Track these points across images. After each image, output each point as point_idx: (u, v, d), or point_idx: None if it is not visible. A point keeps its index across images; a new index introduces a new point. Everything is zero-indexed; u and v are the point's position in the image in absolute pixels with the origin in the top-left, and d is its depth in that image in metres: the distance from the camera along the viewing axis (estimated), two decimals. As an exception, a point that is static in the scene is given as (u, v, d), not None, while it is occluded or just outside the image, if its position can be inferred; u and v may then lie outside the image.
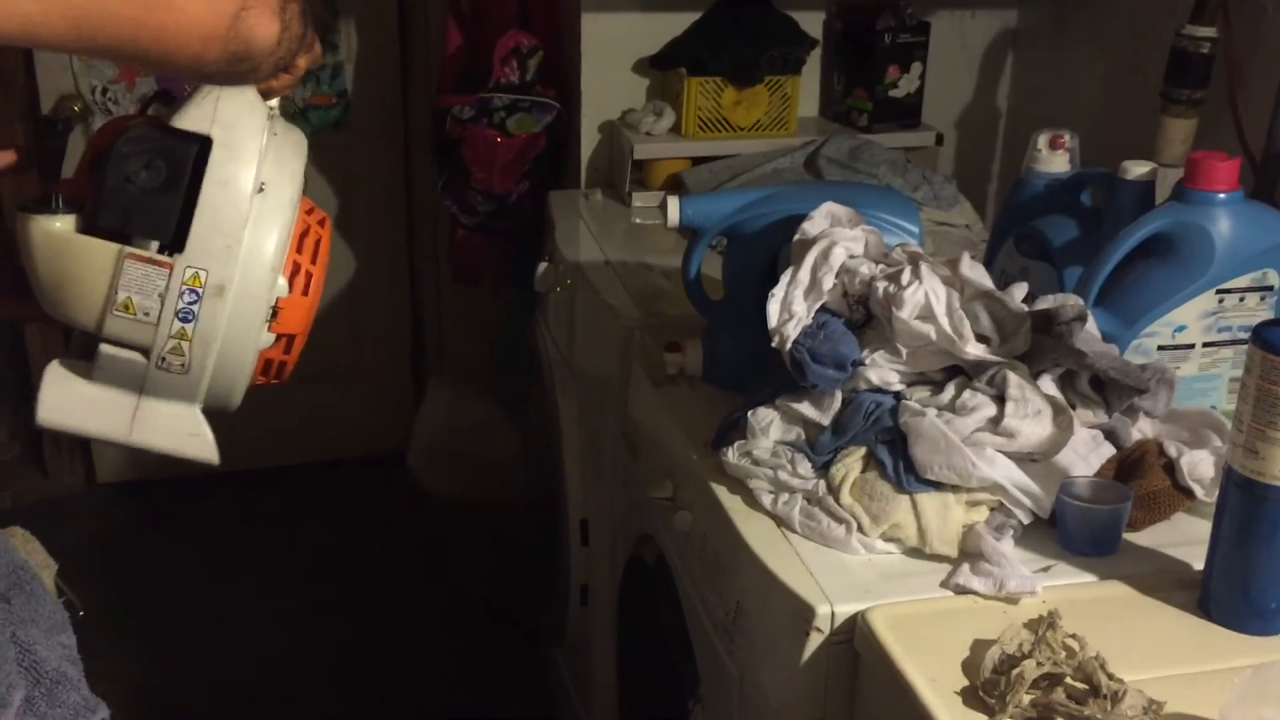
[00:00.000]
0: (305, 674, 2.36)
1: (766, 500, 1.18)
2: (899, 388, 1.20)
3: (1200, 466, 1.16)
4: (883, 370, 1.19)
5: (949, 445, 1.11)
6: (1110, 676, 0.92)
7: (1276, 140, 1.56)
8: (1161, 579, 1.09)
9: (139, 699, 2.15)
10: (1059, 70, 2.19)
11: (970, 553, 1.10)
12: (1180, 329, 1.28)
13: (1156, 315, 1.27)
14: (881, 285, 1.19)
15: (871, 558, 1.12)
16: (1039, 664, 0.93)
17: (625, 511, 1.63)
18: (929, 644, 1.00)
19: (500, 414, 2.70)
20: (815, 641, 1.06)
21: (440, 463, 2.87)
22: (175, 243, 0.86)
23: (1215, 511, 1.04)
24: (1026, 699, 0.92)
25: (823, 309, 1.23)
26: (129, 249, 0.86)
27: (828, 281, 1.22)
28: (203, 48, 0.73)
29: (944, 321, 1.16)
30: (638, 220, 2.13)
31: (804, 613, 1.06)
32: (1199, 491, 1.15)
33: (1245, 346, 1.01)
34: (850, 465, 1.16)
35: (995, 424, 1.13)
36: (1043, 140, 1.46)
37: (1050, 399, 1.14)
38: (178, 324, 0.87)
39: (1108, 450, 1.17)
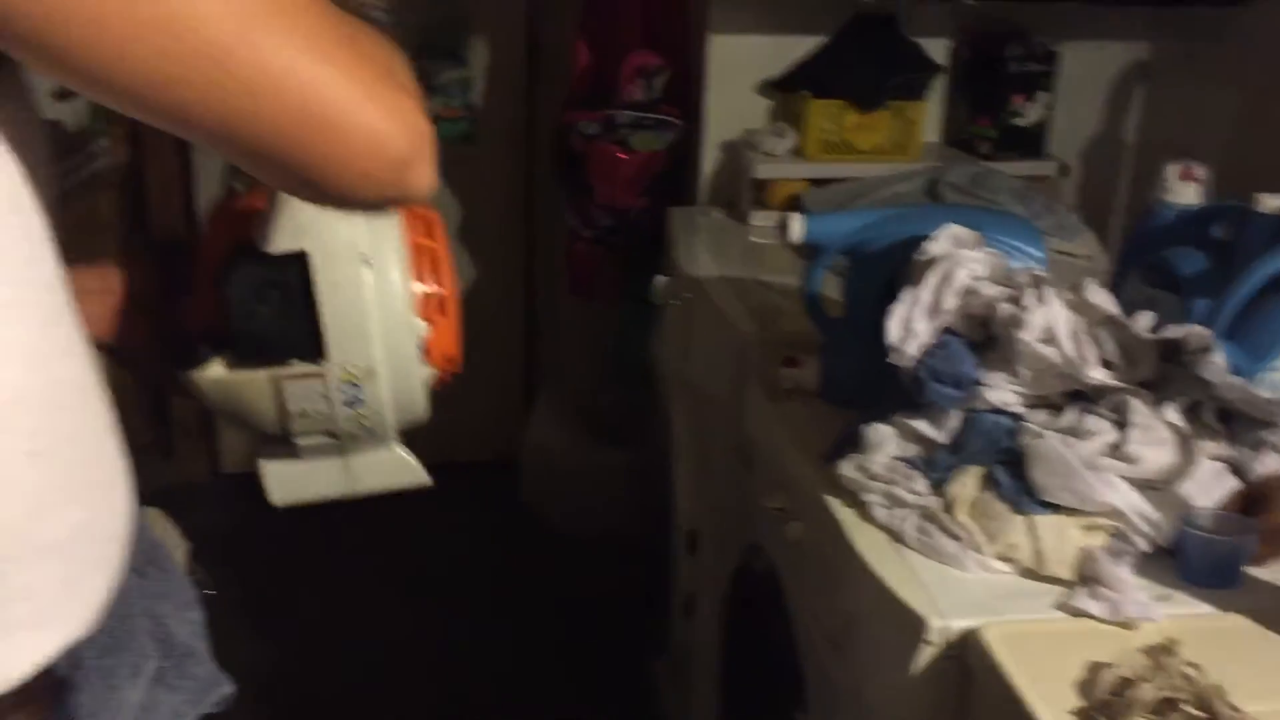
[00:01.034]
0: (411, 671, 2.42)
1: (881, 514, 1.20)
2: (1018, 409, 1.20)
3: (1329, 503, 1.14)
4: (1002, 391, 1.20)
5: (1069, 468, 1.12)
6: (1230, 705, 0.92)
7: None
8: (1284, 614, 1.08)
9: (255, 679, 2.23)
10: (1190, 104, 2.16)
11: (1087, 577, 1.10)
12: (1312, 364, 1.26)
13: (1287, 350, 1.26)
14: (1004, 307, 1.20)
15: (985, 576, 1.13)
16: (1156, 688, 0.93)
17: (734, 522, 1.65)
18: (1043, 663, 1.00)
19: (608, 426, 2.75)
20: (926, 655, 1.07)
21: (548, 472, 2.93)
22: (317, 352, 0.91)
23: (1344, 548, 1.02)
24: (1141, 722, 0.91)
25: (943, 329, 1.24)
26: (280, 372, 0.92)
27: (950, 301, 1.24)
28: (359, 183, 0.66)
29: (1068, 345, 1.16)
30: (755, 239, 2.16)
31: (916, 625, 1.07)
32: (1327, 529, 1.13)
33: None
34: (967, 484, 1.17)
35: (1116, 449, 1.13)
36: (1173, 171, 1.45)
37: (1174, 427, 1.14)
38: (349, 410, 0.94)
39: (1232, 483, 1.16)
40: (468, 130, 2.97)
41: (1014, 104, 2.21)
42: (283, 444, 0.98)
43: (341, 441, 0.97)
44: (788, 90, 2.24)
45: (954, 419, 1.21)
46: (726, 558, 1.68)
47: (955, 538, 1.14)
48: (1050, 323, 1.16)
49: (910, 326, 1.23)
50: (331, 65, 0.62)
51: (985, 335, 1.22)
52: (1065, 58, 2.23)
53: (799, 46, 2.23)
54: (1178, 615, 1.07)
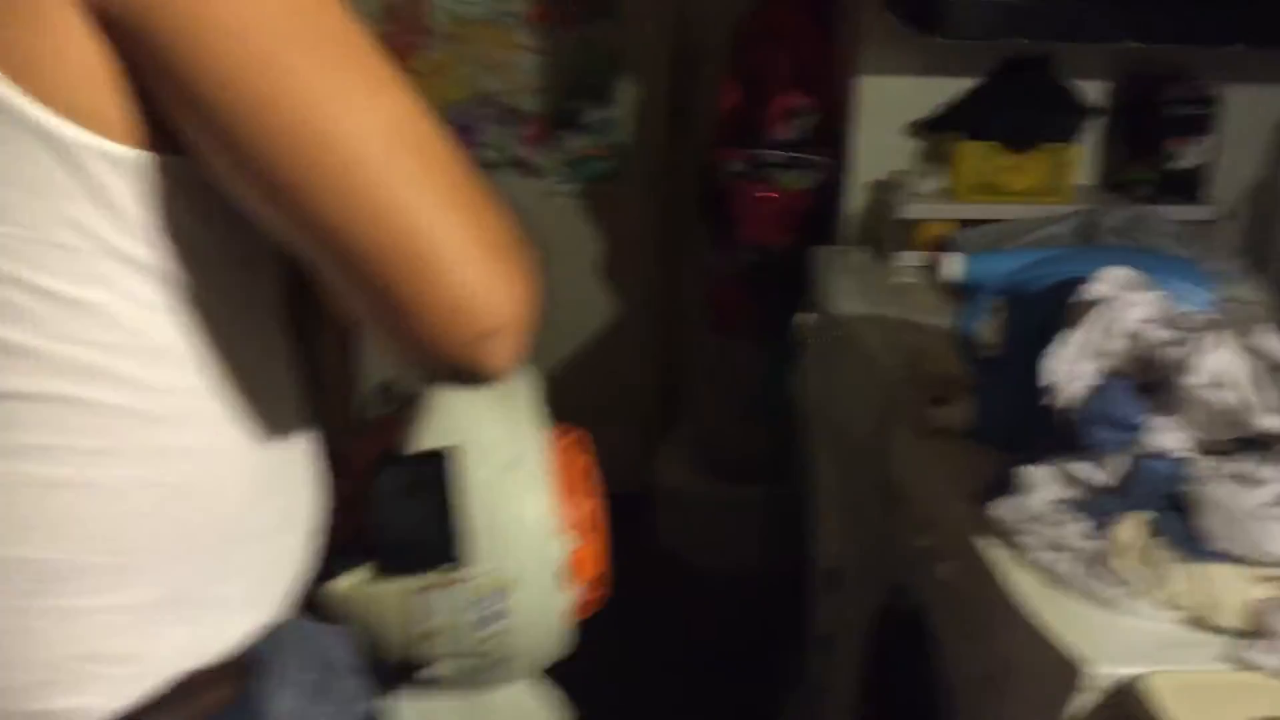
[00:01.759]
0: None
1: (1038, 557, 1.18)
2: (1185, 455, 1.17)
3: None
4: (1168, 436, 1.17)
5: (1238, 517, 1.09)
6: None
7: None
8: None
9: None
10: (1362, 149, 2.08)
11: (1256, 629, 1.07)
12: None
13: None
14: (1173, 350, 1.18)
15: (1147, 624, 1.10)
16: (1333, 746, 0.89)
17: (876, 561, 1.64)
18: (1208, 716, 0.97)
19: (741, 463, 2.75)
20: (1084, 702, 1.04)
21: (680, 509, 2.94)
22: (459, 559, 0.88)
23: None
24: (1318, 781, 0.88)
25: (1107, 371, 1.22)
26: (417, 583, 0.88)
27: (1113, 343, 1.22)
28: (435, 337, 0.64)
29: (1239, 390, 1.13)
30: (900, 279, 2.14)
31: (1073, 671, 1.05)
32: None
33: None
34: (1130, 529, 1.14)
35: (1290, 500, 1.09)
36: (1350, 216, 1.40)
37: (1353, 479, 1.10)
38: (485, 629, 0.89)
39: None
40: (613, 168, 3.03)
41: (1171, 147, 2.15)
42: (400, 680, 0.92)
43: (471, 668, 0.90)
44: (937, 131, 2.23)
45: (1119, 463, 1.18)
46: (868, 597, 1.67)
47: (1116, 584, 1.11)
48: (1222, 367, 1.13)
49: (1069, 367, 1.22)
50: (452, 214, 0.63)
51: (1154, 379, 1.20)
52: (1229, 99, 2.17)
53: (949, 88, 2.22)
54: (1354, 674, 1.03)
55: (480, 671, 0.91)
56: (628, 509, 2.99)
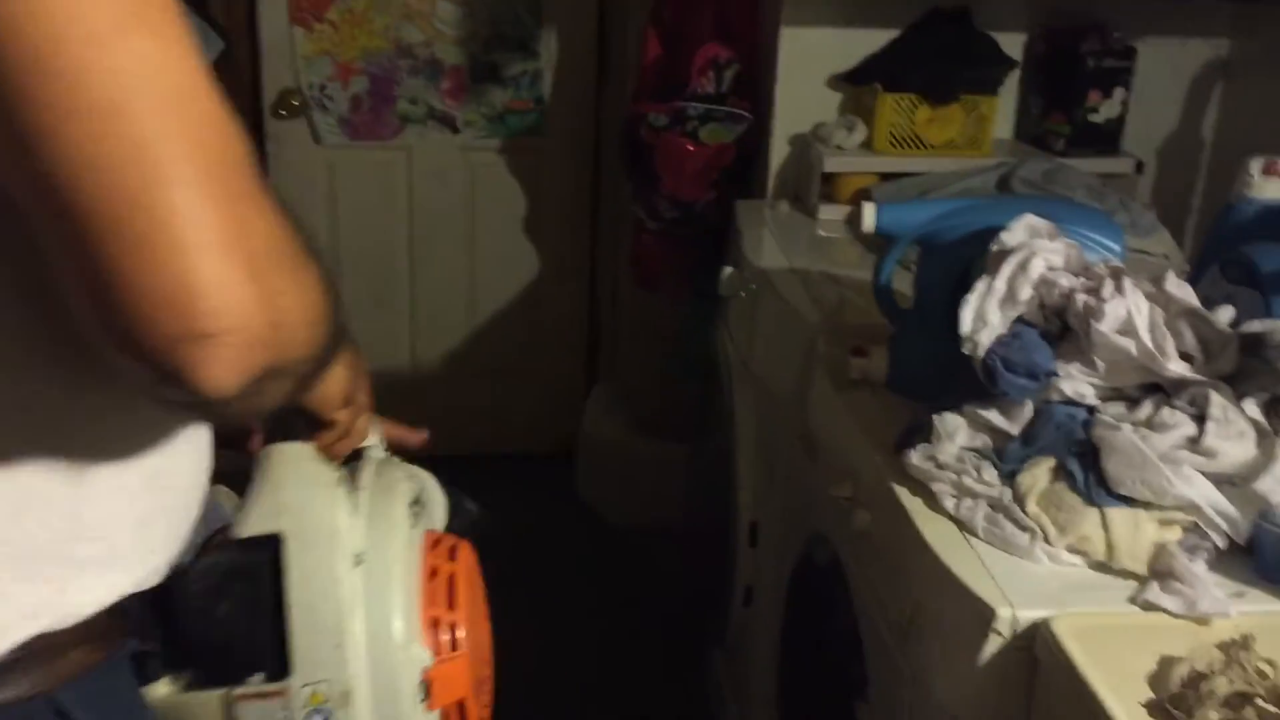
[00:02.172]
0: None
1: (950, 504, 1.19)
2: (1093, 401, 1.19)
3: None
4: (1077, 383, 1.18)
5: (1144, 461, 1.10)
6: (1307, 702, 0.90)
7: None
8: (1364, 615, 1.05)
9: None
10: (1271, 102, 2.12)
11: (1160, 571, 1.09)
12: (1398, 363, 1.23)
13: (1372, 348, 1.23)
14: (1081, 297, 1.19)
15: (1055, 568, 1.12)
16: (1230, 682, 0.91)
17: (796, 512, 1.65)
18: (1114, 656, 0.99)
19: (666, 419, 2.76)
20: (994, 645, 1.06)
21: (604, 464, 2.94)
22: (281, 667, 0.73)
23: None
24: (1215, 716, 0.90)
25: (1018, 319, 1.22)
26: (236, 691, 0.74)
27: (1025, 291, 1.22)
28: (139, 318, 0.56)
29: (1146, 337, 1.15)
30: (823, 232, 2.15)
31: (985, 615, 1.06)
32: None
33: None
34: (1038, 475, 1.16)
35: (1194, 443, 1.11)
36: (1256, 166, 1.43)
37: (1254, 422, 1.12)
38: None
39: (1312, 481, 1.13)
40: (537, 122, 2.99)
41: (1090, 100, 2.18)
42: None
43: None
44: (858, 83, 2.23)
45: (1027, 410, 1.19)
46: (788, 548, 1.68)
47: (1025, 529, 1.13)
48: (1128, 314, 1.15)
49: (984, 316, 1.22)
50: (208, 200, 0.55)
51: (1061, 326, 1.21)
52: (1143, 53, 2.19)
53: (871, 40, 2.22)
54: (1253, 612, 1.05)
55: None
56: (553, 465, 3.01)
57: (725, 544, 1.95)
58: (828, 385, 1.53)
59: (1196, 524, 1.10)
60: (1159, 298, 1.18)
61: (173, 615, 0.74)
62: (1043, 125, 2.24)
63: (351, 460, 0.83)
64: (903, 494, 1.23)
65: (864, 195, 2.14)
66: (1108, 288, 1.18)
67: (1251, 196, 1.42)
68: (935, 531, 1.17)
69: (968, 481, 1.19)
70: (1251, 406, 1.13)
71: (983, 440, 1.22)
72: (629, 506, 2.83)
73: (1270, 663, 0.96)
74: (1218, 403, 1.12)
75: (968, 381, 1.23)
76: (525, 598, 2.62)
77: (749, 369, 1.95)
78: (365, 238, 3.02)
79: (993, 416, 1.21)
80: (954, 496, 1.19)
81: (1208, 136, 2.29)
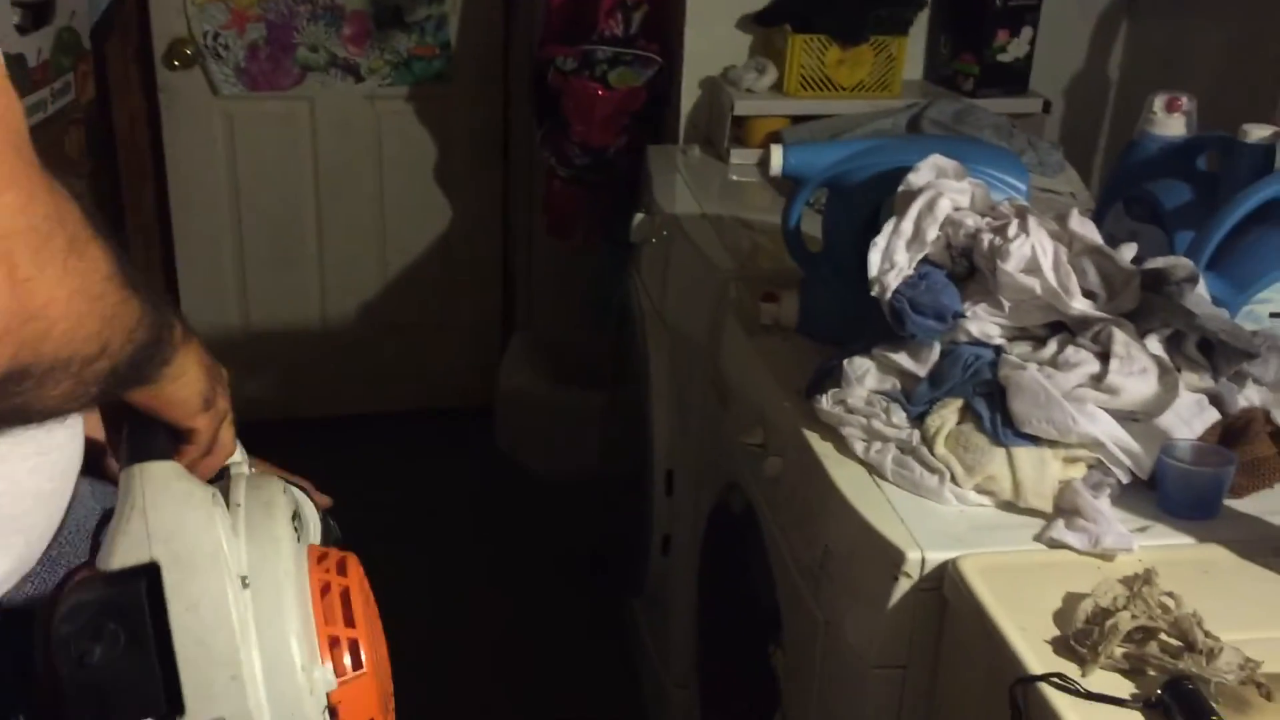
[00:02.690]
0: (387, 617, 2.41)
1: (859, 448, 1.18)
2: (999, 341, 1.18)
3: (1309, 435, 1.14)
4: (983, 323, 1.18)
5: (1049, 399, 1.10)
6: (1206, 634, 0.91)
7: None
8: (1262, 545, 1.07)
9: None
10: (1174, 40, 2.13)
11: (1065, 509, 1.09)
12: (1294, 297, 1.25)
13: (1270, 282, 1.25)
14: (987, 237, 1.18)
15: (963, 509, 1.12)
16: (1133, 617, 0.92)
17: (711, 461, 1.64)
18: (1020, 595, 0.99)
19: (583, 367, 2.73)
20: (903, 587, 1.06)
21: (522, 416, 2.91)
22: (172, 707, 0.67)
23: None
24: (1119, 651, 0.91)
25: (925, 260, 1.22)
26: None
27: (931, 232, 1.22)
28: None
29: (1050, 275, 1.15)
30: (735, 177, 2.13)
31: (893, 558, 1.06)
32: (1306, 461, 1.13)
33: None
34: (946, 416, 1.15)
35: (1098, 381, 1.12)
36: (1159, 103, 1.43)
37: (1156, 358, 1.13)
38: None
39: (1212, 415, 1.15)
40: (443, 68, 2.91)
41: (998, 39, 2.17)
42: None
43: None
44: (768, 24, 2.20)
45: (934, 351, 1.19)
46: (704, 496, 1.67)
47: (933, 470, 1.13)
48: (1033, 253, 1.14)
49: (891, 258, 1.21)
50: None
51: (967, 267, 1.20)
52: (1050, -7, 2.19)
53: (780, -20, 2.19)
54: (1156, 546, 1.07)
55: None
56: (475, 420, 2.97)
57: (642, 492, 1.94)
58: (739, 331, 1.52)
59: (1100, 460, 1.11)
60: (1063, 236, 1.18)
61: (36, 670, 0.67)
62: (952, 65, 2.23)
63: (218, 480, 0.76)
64: (813, 439, 1.23)
65: (775, 138, 2.12)
66: (1013, 227, 1.17)
67: (1154, 133, 1.42)
68: (845, 476, 1.17)
69: (877, 425, 1.18)
70: (1154, 343, 1.14)
71: (892, 383, 1.21)
72: (549, 457, 2.81)
73: (1172, 596, 0.96)
74: (1121, 340, 1.12)
75: (877, 324, 1.22)
76: (445, 552, 2.60)
77: (662, 317, 1.93)
78: (268, 193, 2.92)
79: (901, 359, 1.21)
80: (863, 440, 1.19)
81: (1113, 75, 2.31)
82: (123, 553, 0.67)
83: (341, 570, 0.76)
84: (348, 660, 0.72)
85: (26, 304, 0.52)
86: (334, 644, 0.72)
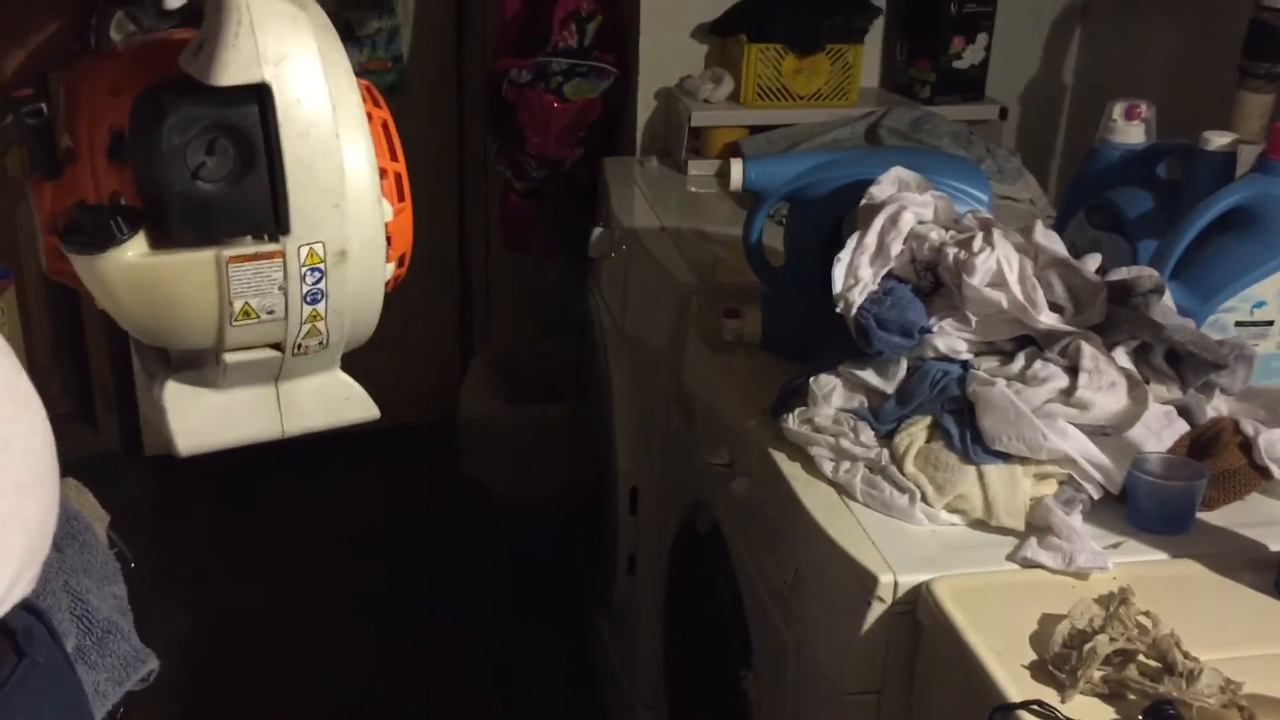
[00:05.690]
0: (347, 635, 2.37)
1: (827, 468, 1.16)
2: (967, 357, 1.17)
3: (1278, 446, 1.13)
4: (950, 338, 1.16)
5: (1019, 416, 1.09)
6: (1185, 655, 0.89)
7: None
8: (1236, 559, 1.06)
9: (183, 655, 2.17)
10: (1129, 45, 2.14)
11: (1038, 526, 1.08)
12: (1259, 305, 1.24)
13: (1235, 290, 1.24)
14: (952, 251, 1.16)
15: (935, 529, 1.10)
16: (1111, 639, 0.90)
17: (677, 479, 1.61)
18: (995, 617, 0.97)
19: (543, 385, 2.70)
20: (876, 611, 1.03)
21: (483, 435, 2.87)
22: (278, 225, 0.69)
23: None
24: (1098, 675, 0.89)
25: (889, 275, 1.20)
26: (227, 252, 0.69)
27: (895, 247, 1.20)
28: None
29: (1016, 289, 1.13)
30: (693, 188, 2.10)
31: (866, 581, 1.04)
32: (1276, 471, 1.12)
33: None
34: (915, 434, 1.14)
35: (1067, 395, 1.10)
36: (1118, 110, 1.42)
37: (1125, 371, 1.11)
38: (308, 308, 0.72)
39: (1182, 427, 1.14)
40: (395, 81, 2.87)
41: (954, 46, 2.17)
42: (197, 371, 0.74)
43: (282, 359, 0.74)
44: (724, 34, 2.18)
45: (901, 368, 1.17)
46: (669, 515, 1.64)
47: (903, 490, 1.11)
48: (999, 266, 1.13)
49: (855, 273, 1.19)
50: None
51: (932, 281, 1.19)
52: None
53: (735, -11, 2.17)
54: (1130, 563, 1.05)
55: (292, 361, 0.75)
56: (435, 437, 2.92)
57: (607, 511, 1.91)
58: (702, 348, 1.49)
59: (1072, 477, 1.10)
60: (1028, 249, 1.17)
61: (148, 166, 0.66)
62: (908, 73, 2.22)
63: None
64: (780, 459, 1.20)
65: (733, 149, 2.10)
66: (978, 240, 1.16)
67: (1114, 141, 1.41)
68: (814, 497, 1.14)
69: (845, 444, 1.16)
70: (1122, 355, 1.13)
71: (859, 400, 1.19)
72: (511, 475, 2.77)
73: (1149, 615, 0.95)
74: (1089, 354, 1.11)
75: (842, 341, 1.20)
76: (410, 571, 2.56)
77: (623, 332, 1.90)
78: (219, 208, 2.86)
79: (868, 376, 1.19)
80: (832, 460, 1.17)
81: (1069, 80, 2.31)
82: (234, 70, 0.65)
83: (376, 101, 0.78)
84: (394, 191, 0.76)
85: None
86: (383, 175, 0.75)
